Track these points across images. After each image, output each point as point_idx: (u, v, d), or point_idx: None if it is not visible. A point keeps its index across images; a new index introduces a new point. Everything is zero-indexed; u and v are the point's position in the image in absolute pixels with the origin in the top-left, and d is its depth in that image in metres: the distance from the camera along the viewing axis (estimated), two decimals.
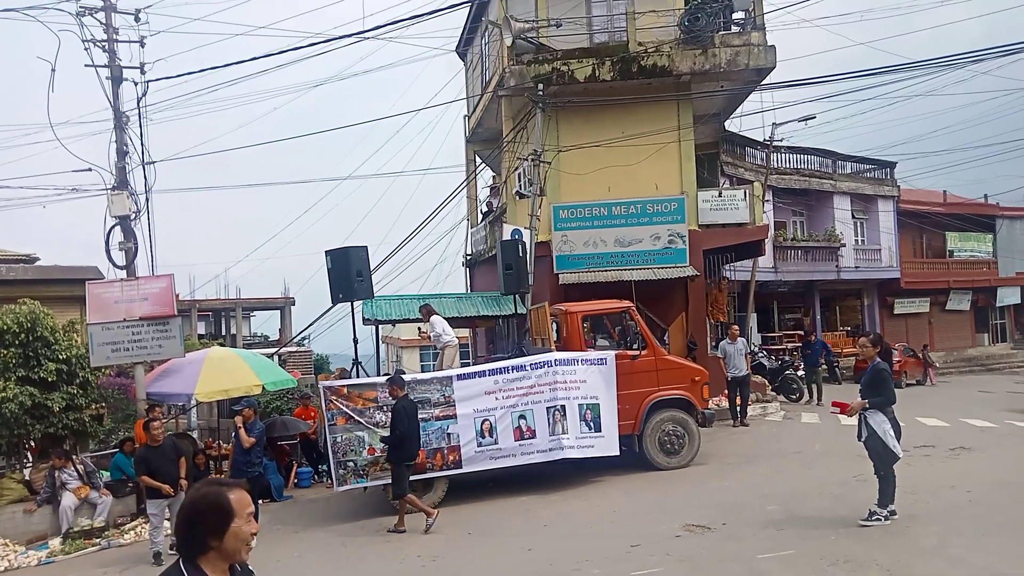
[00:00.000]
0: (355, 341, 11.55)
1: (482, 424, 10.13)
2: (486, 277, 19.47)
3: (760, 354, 20.36)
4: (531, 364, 10.45)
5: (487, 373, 10.40)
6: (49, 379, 10.82)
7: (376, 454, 9.79)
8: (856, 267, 27.73)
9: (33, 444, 11.72)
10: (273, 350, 21.50)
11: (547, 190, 15.78)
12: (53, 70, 12.97)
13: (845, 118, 72.71)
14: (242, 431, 9.49)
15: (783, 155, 25.93)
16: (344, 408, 9.83)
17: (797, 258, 26.06)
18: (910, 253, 30.86)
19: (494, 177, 23.50)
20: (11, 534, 10.18)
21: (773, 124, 21.98)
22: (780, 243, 25.37)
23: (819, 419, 14.94)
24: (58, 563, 9.51)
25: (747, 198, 17.46)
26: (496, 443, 10.14)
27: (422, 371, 11.81)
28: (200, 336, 30.69)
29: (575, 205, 16.40)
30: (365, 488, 10.29)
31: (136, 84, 13.49)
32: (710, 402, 12.47)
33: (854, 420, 7.73)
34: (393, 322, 15.91)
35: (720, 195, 17.56)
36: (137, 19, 13.52)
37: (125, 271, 13.10)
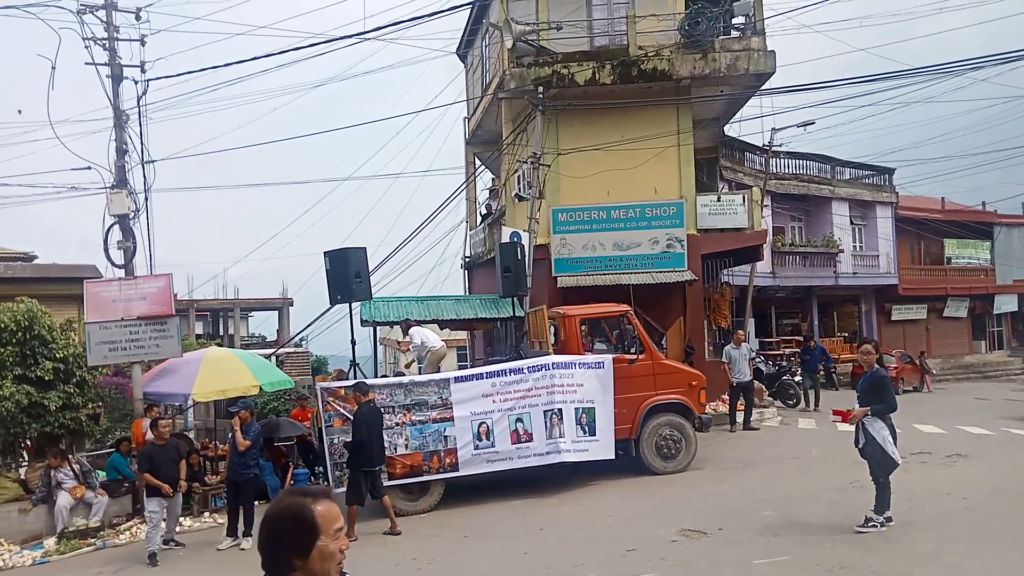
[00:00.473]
0: (353, 343, 11.55)
1: (479, 427, 10.12)
2: (484, 279, 19.47)
3: (758, 359, 20.37)
4: (528, 367, 10.45)
5: (484, 376, 10.40)
6: (46, 378, 10.80)
7: None
8: (854, 273, 27.77)
9: (29, 443, 11.69)
10: (271, 351, 21.48)
11: (546, 193, 15.79)
12: (53, 68, 12.98)
13: (844, 124, 72.92)
14: (238, 433, 9.47)
15: (782, 160, 25.98)
16: (341, 409, 9.81)
17: (795, 264, 26.09)
18: (908, 260, 30.91)
19: (493, 179, 23.51)
20: (6, 533, 10.16)
21: (772, 129, 22.02)
22: (778, 248, 25.41)
23: (816, 425, 14.94)
24: (53, 563, 9.48)
25: (746, 203, 17.48)
26: (493, 446, 10.13)
27: (419, 373, 11.75)
28: (198, 336, 30.65)
29: (574, 208, 16.42)
30: None
31: (136, 83, 13.50)
32: (708, 407, 12.48)
33: (851, 427, 7.72)
34: (391, 324, 15.89)
35: (719, 200, 17.59)
36: (138, 17, 13.52)
37: (123, 270, 13.08)
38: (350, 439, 9.21)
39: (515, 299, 13.53)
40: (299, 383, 16.21)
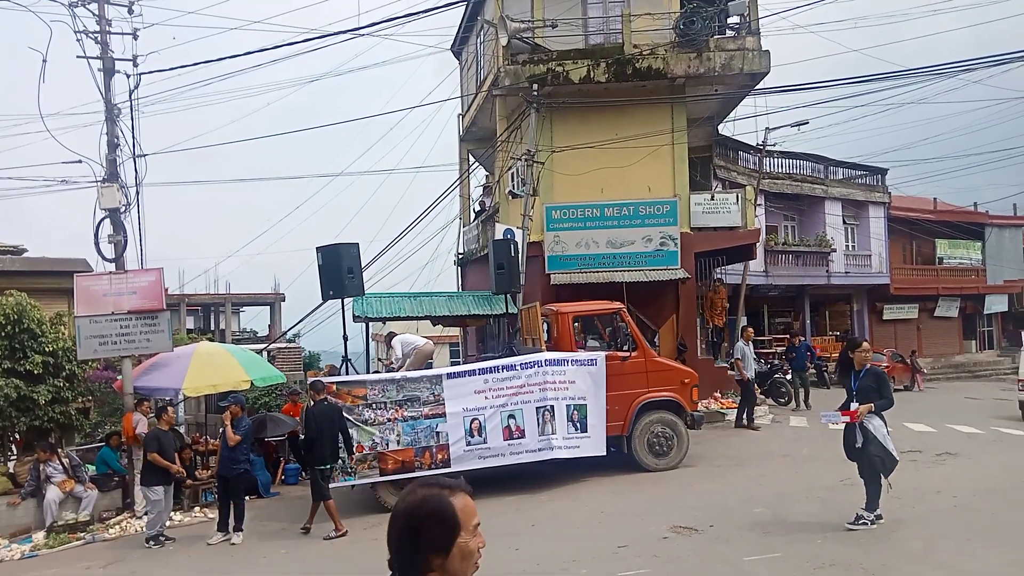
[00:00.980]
0: (345, 338, 11.53)
1: (471, 423, 10.11)
2: (477, 276, 19.46)
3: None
4: (521, 364, 10.45)
5: (477, 372, 10.39)
6: (35, 371, 10.75)
7: (364, 451, 9.76)
8: (846, 272, 27.88)
9: (18, 437, 11.63)
10: (262, 346, 21.42)
11: (540, 190, 15.78)
12: (45, 61, 12.84)
13: (838, 124, 73.27)
14: (228, 428, 9.45)
15: (776, 160, 26.03)
16: None
17: (788, 263, 26.17)
18: (900, 259, 31.06)
19: (487, 176, 23.50)
20: None
21: (766, 129, 22.05)
22: (771, 247, 25.47)
23: (807, 423, 14.99)
24: (42, 557, 9.43)
25: (739, 202, 17.52)
26: (485, 442, 10.13)
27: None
28: (189, 331, 30.57)
29: (568, 206, 16.41)
30: (353, 486, 10.26)
31: (128, 76, 13.37)
32: (700, 404, 12.49)
33: (841, 425, 7.73)
34: (384, 319, 15.85)
35: (712, 198, 17.62)
36: (130, 11, 13.39)
37: (114, 264, 13.00)
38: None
39: (508, 296, 13.52)
40: (291, 378, 16.16)
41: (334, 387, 9.88)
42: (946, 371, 30.04)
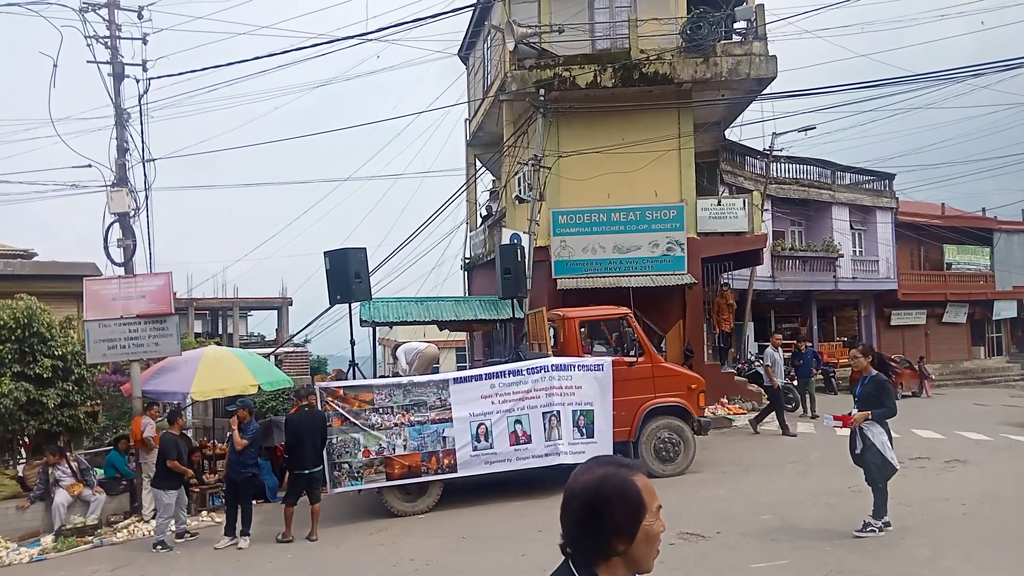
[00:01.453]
0: (352, 343, 11.56)
1: (478, 428, 10.12)
2: (484, 281, 19.47)
3: (757, 363, 20.36)
4: (528, 369, 10.45)
5: (483, 377, 10.40)
6: (44, 375, 10.81)
7: (371, 456, 9.78)
8: (854, 278, 27.77)
9: (27, 440, 11.68)
10: (270, 350, 21.48)
11: (547, 195, 15.81)
12: (55, 65, 12.95)
13: (845, 129, 73.05)
14: (236, 433, 9.48)
15: (782, 165, 25.99)
16: (340, 410, 9.81)
17: (795, 268, 26.09)
18: (908, 265, 30.92)
19: (494, 181, 23.52)
20: (3, 530, 10.15)
21: (773, 134, 22.06)
22: (778, 252, 25.40)
23: (814, 429, 14.94)
24: (50, 560, 9.47)
25: (746, 207, 17.50)
26: (492, 447, 10.13)
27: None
28: (197, 335, 30.62)
29: (574, 211, 16.43)
30: (359, 491, 10.28)
31: (138, 81, 13.48)
32: (707, 410, 12.45)
33: (847, 431, 7.72)
34: (391, 324, 15.89)
35: (719, 204, 17.61)
36: (140, 16, 13.51)
37: (123, 268, 13.07)
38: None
39: (515, 301, 13.54)
40: (297, 383, 16.19)
41: (341, 391, 9.92)
42: (954, 377, 29.87)
